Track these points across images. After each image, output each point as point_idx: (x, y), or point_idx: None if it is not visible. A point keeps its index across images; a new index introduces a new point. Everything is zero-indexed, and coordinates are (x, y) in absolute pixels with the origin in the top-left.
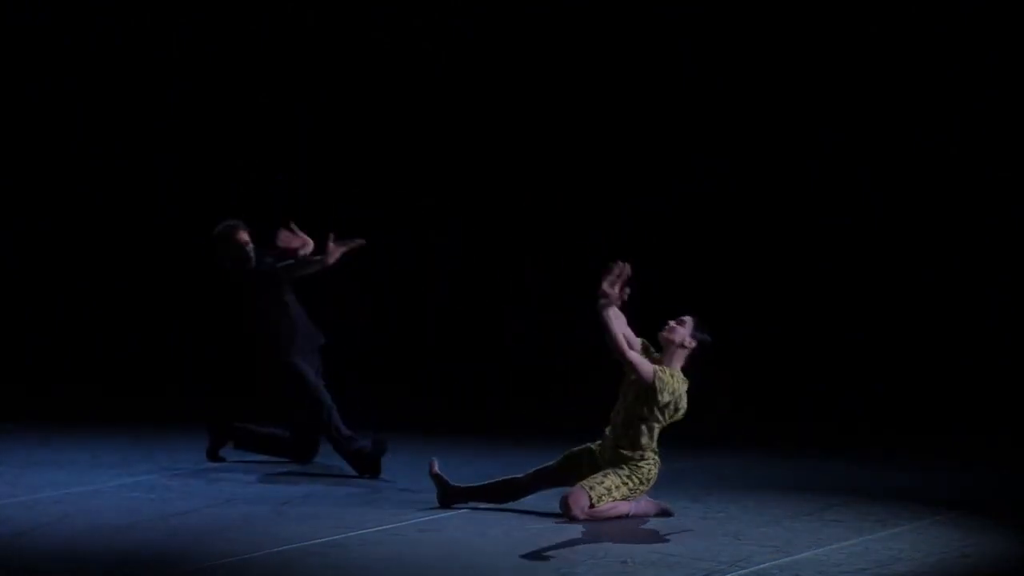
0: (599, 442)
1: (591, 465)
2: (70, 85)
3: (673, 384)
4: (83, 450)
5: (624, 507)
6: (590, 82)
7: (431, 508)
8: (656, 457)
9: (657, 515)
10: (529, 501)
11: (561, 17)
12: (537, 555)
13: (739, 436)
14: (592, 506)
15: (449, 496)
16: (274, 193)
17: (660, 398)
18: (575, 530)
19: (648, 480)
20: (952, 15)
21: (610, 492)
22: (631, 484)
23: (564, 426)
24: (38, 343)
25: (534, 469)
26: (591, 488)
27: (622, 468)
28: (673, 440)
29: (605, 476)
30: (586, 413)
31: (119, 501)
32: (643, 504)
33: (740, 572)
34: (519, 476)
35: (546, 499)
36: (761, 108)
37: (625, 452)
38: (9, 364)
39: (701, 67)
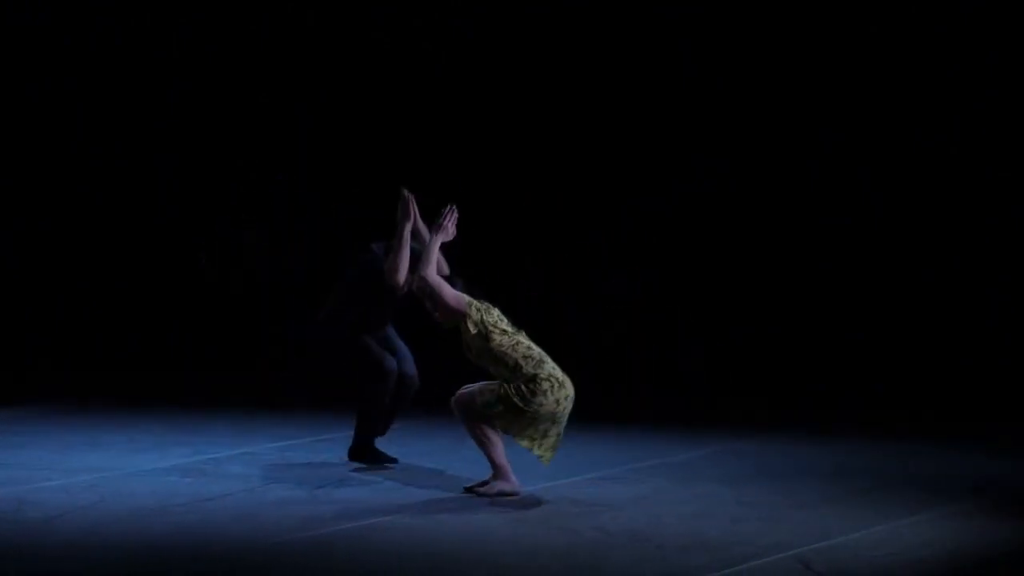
0: None
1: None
2: (70, 85)
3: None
4: (120, 433)
5: (501, 456)
6: (590, 82)
7: (464, 492)
8: (542, 372)
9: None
10: (567, 487)
11: (561, 17)
12: (574, 538)
13: (771, 422)
14: (473, 402)
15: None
16: (274, 193)
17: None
18: (611, 516)
19: (535, 391)
20: (952, 15)
21: (496, 400)
22: (513, 392)
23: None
24: (39, 342)
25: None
26: (480, 392)
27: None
28: (706, 426)
29: (499, 392)
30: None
31: (154, 485)
32: (512, 482)
33: (775, 557)
34: None
35: (583, 485)
36: (761, 108)
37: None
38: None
39: (701, 67)
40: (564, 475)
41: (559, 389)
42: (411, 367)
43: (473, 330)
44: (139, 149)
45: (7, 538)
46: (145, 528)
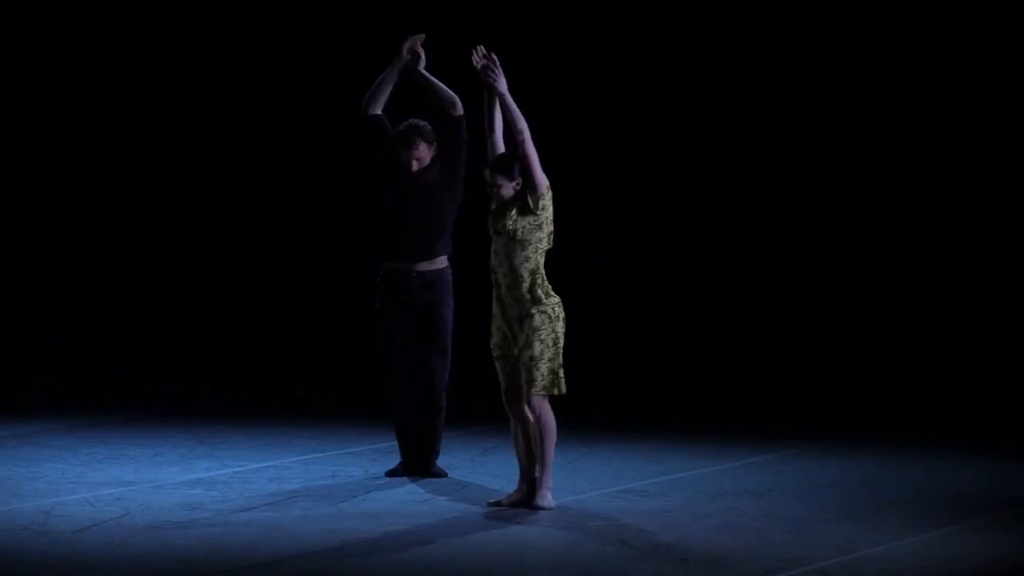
0: (495, 327)
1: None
2: (69, 85)
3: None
4: (144, 447)
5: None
6: (590, 82)
7: (493, 503)
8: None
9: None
10: (593, 501)
11: (560, 17)
12: (599, 552)
13: (798, 432)
14: (535, 384)
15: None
16: (274, 192)
17: (540, 205)
18: (636, 529)
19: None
20: (952, 15)
21: (545, 367)
22: (554, 335)
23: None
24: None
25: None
26: (530, 381)
27: (539, 326)
28: (731, 437)
29: (535, 357)
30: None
31: (179, 498)
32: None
33: (800, 570)
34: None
35: (609, 499)
36: (760, 108)
37: (538, 295)
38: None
39: (701, 67)
40: (590, 488)
41: (561, 307)
42: (435, 377)
43: (540, 211)
44: (139, 149)
45: (34, 551)
46: (171, 541)
